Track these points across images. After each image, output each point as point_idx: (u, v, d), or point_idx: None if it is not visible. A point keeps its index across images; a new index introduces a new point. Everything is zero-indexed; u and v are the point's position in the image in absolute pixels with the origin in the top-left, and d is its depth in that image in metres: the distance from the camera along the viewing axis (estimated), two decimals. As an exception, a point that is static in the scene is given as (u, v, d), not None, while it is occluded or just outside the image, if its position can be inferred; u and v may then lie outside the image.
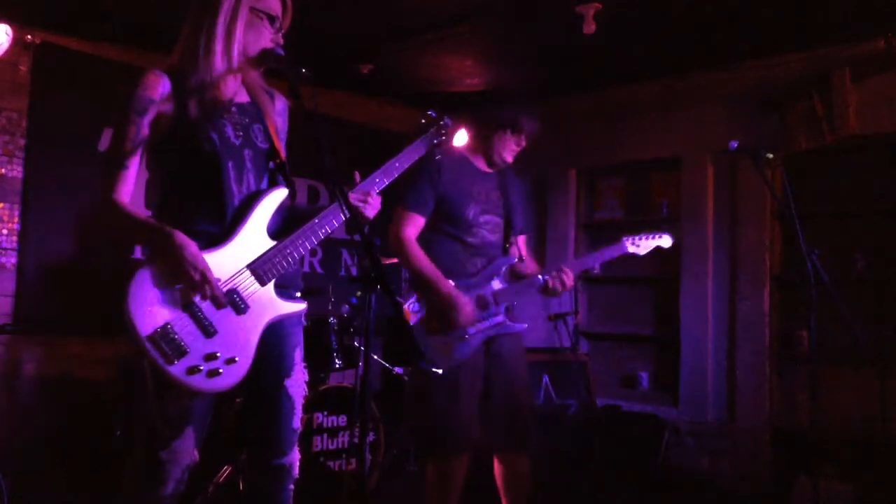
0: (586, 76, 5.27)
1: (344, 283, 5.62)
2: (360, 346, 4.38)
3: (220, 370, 1.98)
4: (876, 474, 3.99)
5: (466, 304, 2.88)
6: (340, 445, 4.06)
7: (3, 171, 4.28)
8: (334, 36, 4.61)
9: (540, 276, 3.02)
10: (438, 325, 2.89)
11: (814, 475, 3.66)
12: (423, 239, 3.00)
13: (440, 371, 2.86)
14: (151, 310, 1.92)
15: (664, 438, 4.70)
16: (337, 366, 4.26)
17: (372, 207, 2.30)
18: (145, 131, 2.01)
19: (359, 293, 4.68)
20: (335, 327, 4.29)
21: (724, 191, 5.05)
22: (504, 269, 3.07)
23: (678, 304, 5.17)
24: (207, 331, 1.98)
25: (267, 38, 2.15)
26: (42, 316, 4.31)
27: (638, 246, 3.17)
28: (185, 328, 1.95)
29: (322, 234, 2.20)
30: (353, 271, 5.88)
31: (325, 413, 4.02)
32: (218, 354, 1.98)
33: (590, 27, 4.01)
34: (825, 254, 3.01)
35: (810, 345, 3.18)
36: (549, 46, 4.73)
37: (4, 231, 4.29)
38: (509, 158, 3.10)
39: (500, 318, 3.01)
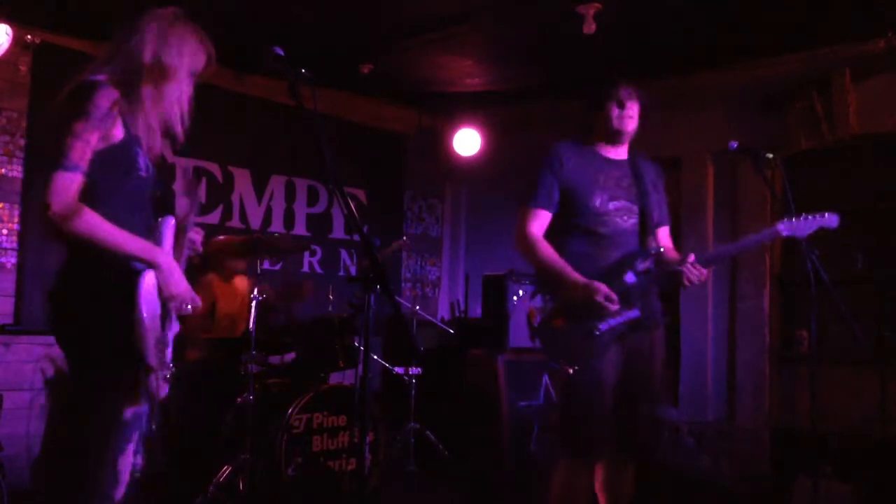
0: (586, 76, 5.27)
1: (344, 283, 5.62)
2: (360, 346, 4.38)
3: None
4: (876, 474, 3.99)
5: (601, 287, 2.67)
6: (340, 445, 4.06)
7: (3, 171, 4.28)
8: (335, 35, 4.61)
9: (679, 268, 2.76)
10: (568, 318, 2.72)
11: (814, 475, 3.65)
12: (552, 235, 2.84)
13: (573, 370, 2.70)
14: None
15: (664, 438, 4.70)
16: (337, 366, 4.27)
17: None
18: None
19: (358, 293, 4.67)
20: (335, 327, 4.29)
21: (724, 191, 5.05)
22: (639, 260, 2.81)
23: (678, 305, 5.16)
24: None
25: None
26: (42, 316, 4.32)
27: (794, 227, 2.83)
28: None
29: None
30: (353, 271, 5.88)
31: (325, 413, 4.02)
32: None
33: (590, 27, 4.01)
34: (825, 254, 3.00)
35: (810, 345, 3.18)
36: (550, 46, 4.73)
37: (4, 231, 4.29)
38: (626, 127, 2.89)
39: (634, 313, 2.75)
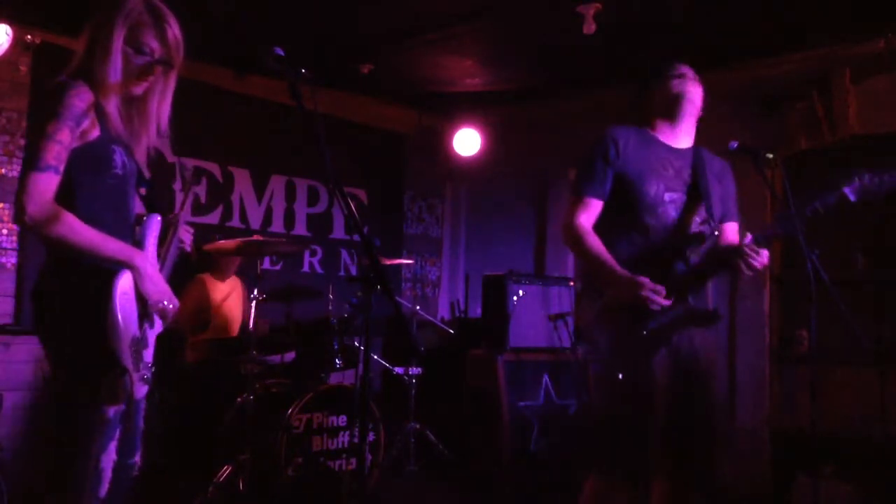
0: (586, 76, 5.27)
1: (344, 283, 5.63)
2: (360, 346, 4.38)
3: None
4: (876, 474, 3.99)
5: (645, 281, 2.42)
6: (340, 445, 4.06)
7: (3, 171, 4.28)
8: (334, 36, 4.62)
9: (735, 251, 2.53)
10: (618, 318, 2.48)
11: (814, 475, 3.66)
12: (601, 227, 2.61)
13: (619, 376, 2.44)
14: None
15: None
16: (337, 366, 4.27)
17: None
18: None
19: (359, 293, 4.68)
20: (335, 327, 4.29)
21: (724, 191, 5.04)
22: (691, 249, 2.59)
23: (678, 304, 5.16)
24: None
25: None
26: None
27: (865, 191, 2.56)
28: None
29: None
30: (353, 271, 5.88)
31: (325, 413, 4.02)
32: None
33: (590, 27, 4.01)
34: (825, 254, 3.00)
35: (810, 345, 3.17)
36: (550, 46, 4.73)
37: (4, 231, 4.29)
38: (687, 88, 2.74)
39: (687, 307, 2.54)
